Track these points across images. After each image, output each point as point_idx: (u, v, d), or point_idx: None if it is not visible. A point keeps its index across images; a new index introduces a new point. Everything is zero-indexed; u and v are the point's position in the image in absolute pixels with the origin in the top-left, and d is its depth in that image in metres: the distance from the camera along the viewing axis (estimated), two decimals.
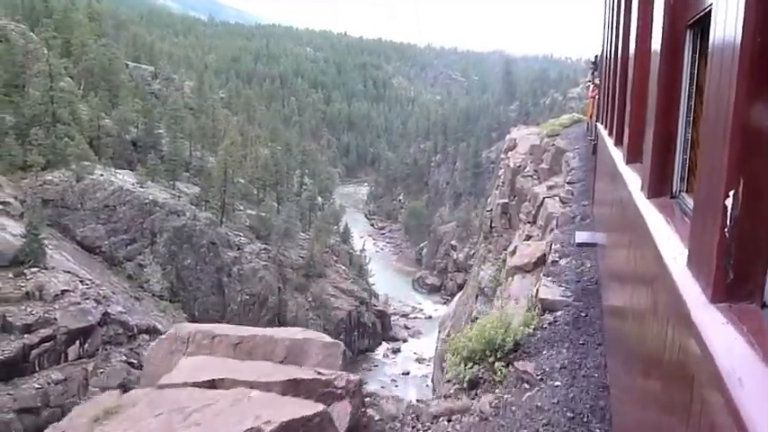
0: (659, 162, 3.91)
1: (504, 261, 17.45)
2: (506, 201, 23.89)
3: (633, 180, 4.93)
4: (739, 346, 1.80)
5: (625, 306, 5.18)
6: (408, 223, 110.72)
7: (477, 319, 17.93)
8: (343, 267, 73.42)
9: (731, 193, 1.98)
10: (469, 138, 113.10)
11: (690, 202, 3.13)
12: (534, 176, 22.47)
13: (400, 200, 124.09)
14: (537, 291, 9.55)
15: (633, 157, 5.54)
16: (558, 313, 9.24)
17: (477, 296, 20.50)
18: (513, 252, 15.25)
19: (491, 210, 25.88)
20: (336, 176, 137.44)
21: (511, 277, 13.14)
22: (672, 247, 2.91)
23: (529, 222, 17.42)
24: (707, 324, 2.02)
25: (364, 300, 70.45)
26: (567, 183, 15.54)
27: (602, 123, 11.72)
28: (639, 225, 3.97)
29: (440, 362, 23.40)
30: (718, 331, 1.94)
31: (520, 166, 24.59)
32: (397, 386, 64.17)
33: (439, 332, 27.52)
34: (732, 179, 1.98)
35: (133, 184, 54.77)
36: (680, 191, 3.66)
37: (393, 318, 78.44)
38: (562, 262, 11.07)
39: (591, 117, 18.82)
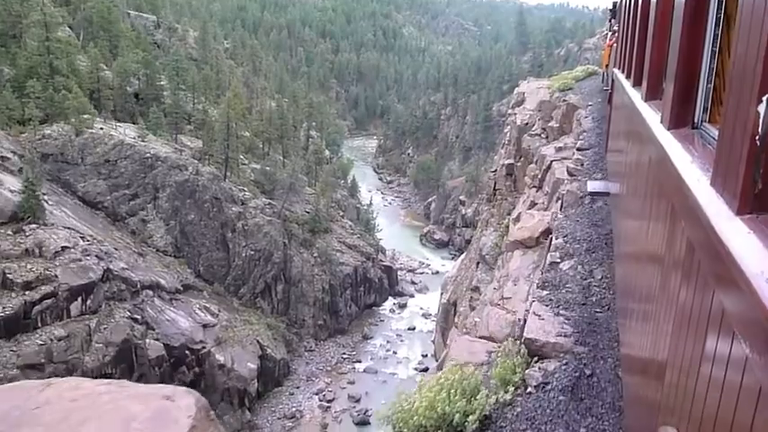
0: (681, 93, 3.86)
1: (507, 227, 16.36)
2: (512, 161, 22.24)
3: (652, 116, 4.84)
4: (765, 250, 1.79)
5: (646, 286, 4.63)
6: (417, 177, 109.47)
7: (479, 287, 16.99)
8: (350, 222, 72.76)
9: (765, 98, 1.90)
10: (480, 90, 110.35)
11: (713, 131, 3.15)
12: (542, 135, 20.85)
13: (409, 153, 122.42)
14: (524, 322, 7.31)
15: (653, 94, 5.55)
16: (552, 367, 6.50)
17: (477, 263, 19.45)
18: (517, 219, 14.12)
19: (495, 170, 24.40)
20: (345, 129, 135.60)
21: (511, 252, 11.97)
22: (694, 171, 2.91)
23: (534, 187, 16.07)
24: (732, 234, 2.02)
25: (371, 255, 70.00)
26: (578, 150, 13.55)
27: (619, 68, 11.25)
28: (660, 156, 3.94)
29: (441, 327, 22.72)
30: (743, 240, 1.93)
31: (527, 124, 22.86)
32: (402, 341, 64.42)
33: (441, 294, 26.74)
34: (766, 84, 1.92)
35: (134, 138, 53.70)
36: (702, 121, 3.61)
37: (400, 273, 78.21)
38: (564, 266, 8.74)
39: (607, 67, 18.31)
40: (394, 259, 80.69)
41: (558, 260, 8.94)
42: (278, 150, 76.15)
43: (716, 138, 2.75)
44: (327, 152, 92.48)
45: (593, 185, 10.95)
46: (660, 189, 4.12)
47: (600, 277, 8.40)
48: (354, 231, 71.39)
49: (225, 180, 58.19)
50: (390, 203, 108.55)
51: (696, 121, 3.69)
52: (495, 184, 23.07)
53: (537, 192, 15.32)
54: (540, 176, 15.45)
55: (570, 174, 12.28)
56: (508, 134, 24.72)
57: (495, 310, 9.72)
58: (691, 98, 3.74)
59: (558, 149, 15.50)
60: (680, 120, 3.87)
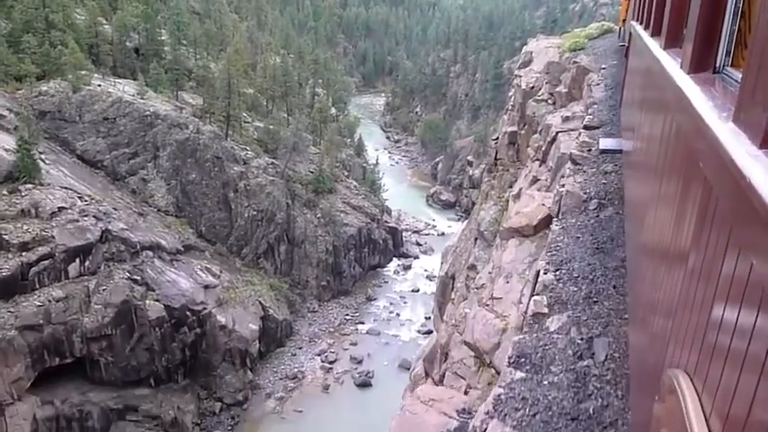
0: (703, 37, 3.73)
1: (508, 202, 15.27)
2: (515, 129, 20.68)
3: (672, 63, 4.63)
4: None
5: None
6: (425, 136, 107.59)
7: (476, 266, 16.09)
8: (355, 183, 71.72)
9: None
10: (491, 46, 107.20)
11: (736, 74, 3.13)
12: (549, 101, 19.32)
13: (417, 112, 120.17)
14: None
15: (672, 42, 5.45)
16: None
17: (476, 239, 18.35)
18: (517, 196, 13.02)
19: (497, 138, 22.98)
20: (352, 86, 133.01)
21: (506, 241, 10.75)
22: (715, 111, 2.83)
23: (538, 160, 14.72)
24: (755, 167, 2.04)
25: (375, 216, 69.21)
26: (585, 128, 11.36)
27: (637, 20, 10.63)
28: (679, 100, 3.78)
29: (438, 301, 21.95)
30: (767, 171, 1.96)
31: (533, 88, 21.15)
32: (406, 303, 64.16)
33: (441, 263, 25.91)
34: None
35: (133, 96, 52.43)
36: (724, 65, 3.51)
37: (405, 234, 77.53)
38: (552, 324, 6.31)
39: (624, 22, 17.51)
40: (399, 220, 79.96)
41: (545, 310, 6.47)
42: (282, 108, 74.63)
43: (738, 81, 2.74)
44: (334, 110, 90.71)
45: (605, 143, 9.90)
46: (677, 138, 3.93)
47: (603, 358, 5.77)
48: (359, 192, 70.43)
49: (227, 139, 57.08)
50: (397, 163, 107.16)
51: (718, 65, 3.60)
52: (497, 153, 21.61)
53: (540, 166, 14.07)
54: (543, 149, 14.18)
55: (574, 162, 10.25)
56: (512, 98, 23.12)
57: (482, 312, 8.67)
58: (713, 42, 3.63)
59: (566, 119, 14.17)
60: (701, 64, 3.77)
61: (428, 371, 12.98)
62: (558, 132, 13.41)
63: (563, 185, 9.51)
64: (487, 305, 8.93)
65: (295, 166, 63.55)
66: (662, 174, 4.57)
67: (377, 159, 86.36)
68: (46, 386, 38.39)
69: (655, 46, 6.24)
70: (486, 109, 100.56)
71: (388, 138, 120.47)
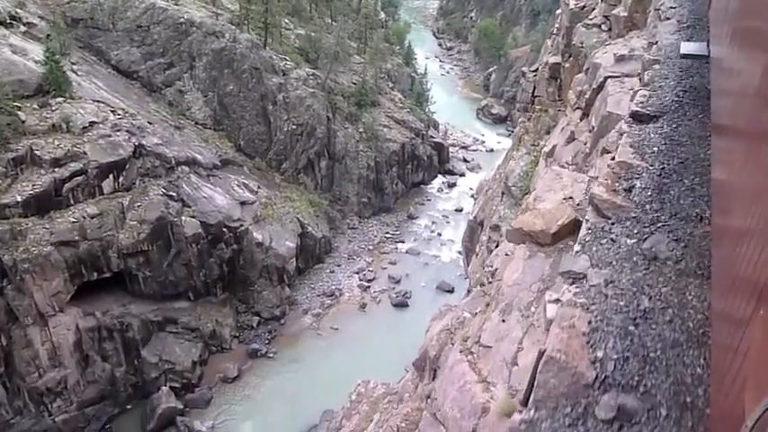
0: None
1: (541, 152, 12.88)
2: (558, 60, 17.43)
3: None
4: None
5: None
6: (478, 44, 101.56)
7: (499, 226, 14.05)
8: (400, 96, 68.53)
9: None
10: None
11: None
12: (603, 27, 15.80)
13: (472, 17, 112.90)
14: None
15: None
16: None
17: (502, 194, 15.96)
18: (550, 154, 10.65)
19: (536, 70, 19.55)
20: None
21: (513, 247, 8.00)
22: None
23: (579, 109, 11.98)
24: None
25: (420, 131, 66.46)
26: (632, 117, 7.09)
27: None
28: None
29: (465, 246, 20.11)
30: None
31: (584, 8, 17.24)
32: (448, 222, 62.59)
33: (474, 201, 23.79)
34: None
35: (167, 1, 50.03)
36: None
37: (452, 150, 74.72)
38: None
39: None
40: (446, 135, 76.91)
41: None
42: (326, 14, 70.76)
43: None
44: (383, 14, 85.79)
45: (687, 47, 7.74)
46: None
47: None
48: (404, 105, 67.41)
49: (265, 48, 54.52)
50: (448, 72, 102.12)
51: None
52: (535, 88, 18.38)
53: (581, 120, 11.42)
54: (587, 96, 11.51)
55: (598, 212, 5.44)
56: (559, 19, 19.48)
57: (462, 364, 6.27)
58: None
59: (619, 59, 11.24)
60: None
61: (420, 377, 11.38)
62: (607, 78, 10.72)
63: (549, 323, 4.51)
64: (472, 353, 6.55)
65: (337, 78, 60.80)
66: None
67: (425, 69, 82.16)
68: (87, 299, 39.33)
69: None
70: (547, 14, 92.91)
71: (440, 44, 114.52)
